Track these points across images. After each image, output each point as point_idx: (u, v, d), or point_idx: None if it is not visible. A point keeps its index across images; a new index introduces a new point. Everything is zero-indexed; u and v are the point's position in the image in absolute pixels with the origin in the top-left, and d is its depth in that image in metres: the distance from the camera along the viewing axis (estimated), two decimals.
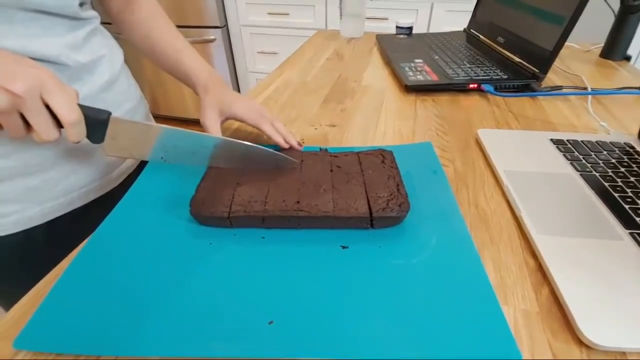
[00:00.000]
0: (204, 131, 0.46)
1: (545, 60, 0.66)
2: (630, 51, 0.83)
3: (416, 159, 0.46)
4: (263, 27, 2.11)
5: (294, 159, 0.43)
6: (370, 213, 0.35)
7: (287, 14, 2.03)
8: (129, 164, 0.57)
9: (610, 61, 0.84)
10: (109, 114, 0.37)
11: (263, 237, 0.36)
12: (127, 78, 0.56)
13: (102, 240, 0.35)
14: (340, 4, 1.03)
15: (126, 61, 0.56)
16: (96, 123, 0.36)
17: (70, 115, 0.33)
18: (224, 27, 2.09)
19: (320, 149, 0.46)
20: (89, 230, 0.37)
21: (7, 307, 0.31)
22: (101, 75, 0.48)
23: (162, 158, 0.42)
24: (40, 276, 0.33)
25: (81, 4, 0.44)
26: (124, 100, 0.53)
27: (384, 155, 0.44)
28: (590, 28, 0.94)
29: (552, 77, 0.75)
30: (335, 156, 0.44)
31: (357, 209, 0.36)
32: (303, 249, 0.34)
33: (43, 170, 0.43)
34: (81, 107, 0.34)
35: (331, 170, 0.41)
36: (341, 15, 1.04)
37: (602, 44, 0.87)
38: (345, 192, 0.38)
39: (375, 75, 0.78)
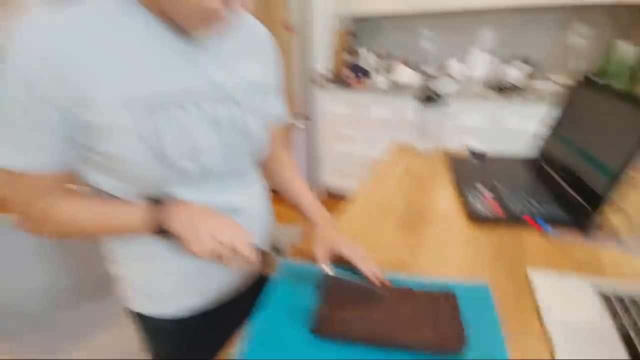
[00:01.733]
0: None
1: (597, 202, 0.74)
2: None
3: (474, 300, 0.58)
4: (344, 117, 2.40)
5: (383, 291, 0.58)
6: (434, 346, 0.49)
7: (367, 107, 2.30)
8: None
9: None
10: (274, 255, 0.58)
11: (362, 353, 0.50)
12: (268, 205, 0.77)
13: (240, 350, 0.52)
14: (418, 121, 1.22)
15: None
16: (265, 259, 0.57)
17: (251, 258, 0.54)
18: (309, 117, 2.43)
19: (396, 283, 0.61)
20: (238, 318, 0.55)
21: None
22: (255, 209, 0.70)
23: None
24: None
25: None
26: (263, 221, 0.74)
27: (448, 297, 0.57)
28: None
29: (613, 217, 0.79)
30: (413, 292, 0.58)
31: (425, 339, 0.50)
32: None
33: (205, 269, 0.63)
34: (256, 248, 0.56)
35: (408, 305, 0.56)
36: (419, 133, 1.22)
37: None
38: (417, 325, 0.52)
39: (445, 198, 0.92)
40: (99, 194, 0.56)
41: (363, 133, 2.39)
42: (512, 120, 1.94)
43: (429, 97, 1.18)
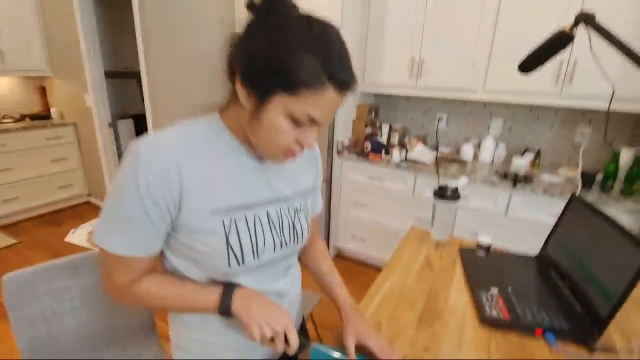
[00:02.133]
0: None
1: (600, 321, 0.83)
2: None
3: None
4: (360, 185, 2.54)
5: None
6: None
7: (382, 179, 2.44)
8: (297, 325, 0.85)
9: None
10: (309, 343, 0.66)
11: None
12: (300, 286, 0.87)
13: None
14: (433, 212, 1.33)
15: None
16: (302, 346, 0.65)
17: (294, 345, 0.62)
18: (328, 180, 2.57)
19: None
20: None
21: None
22: (295, 292, 0.80)
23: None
24: None
25: None
26: (299, 300, 0.84)
27: None
28: None
29: (615, 337, 0.86)
30: None
31: None
32: None
33: (249, 346, 0.71)
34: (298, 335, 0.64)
35: None
36: (432, 222, 1.33)
37: None
38: None
39: (459, 294, 1.00)
40: (175, 273, 0.67)
41: (375, 202, 2.51)
42: (520, 209, 2.05)
43: (444, 193, 1.30)
